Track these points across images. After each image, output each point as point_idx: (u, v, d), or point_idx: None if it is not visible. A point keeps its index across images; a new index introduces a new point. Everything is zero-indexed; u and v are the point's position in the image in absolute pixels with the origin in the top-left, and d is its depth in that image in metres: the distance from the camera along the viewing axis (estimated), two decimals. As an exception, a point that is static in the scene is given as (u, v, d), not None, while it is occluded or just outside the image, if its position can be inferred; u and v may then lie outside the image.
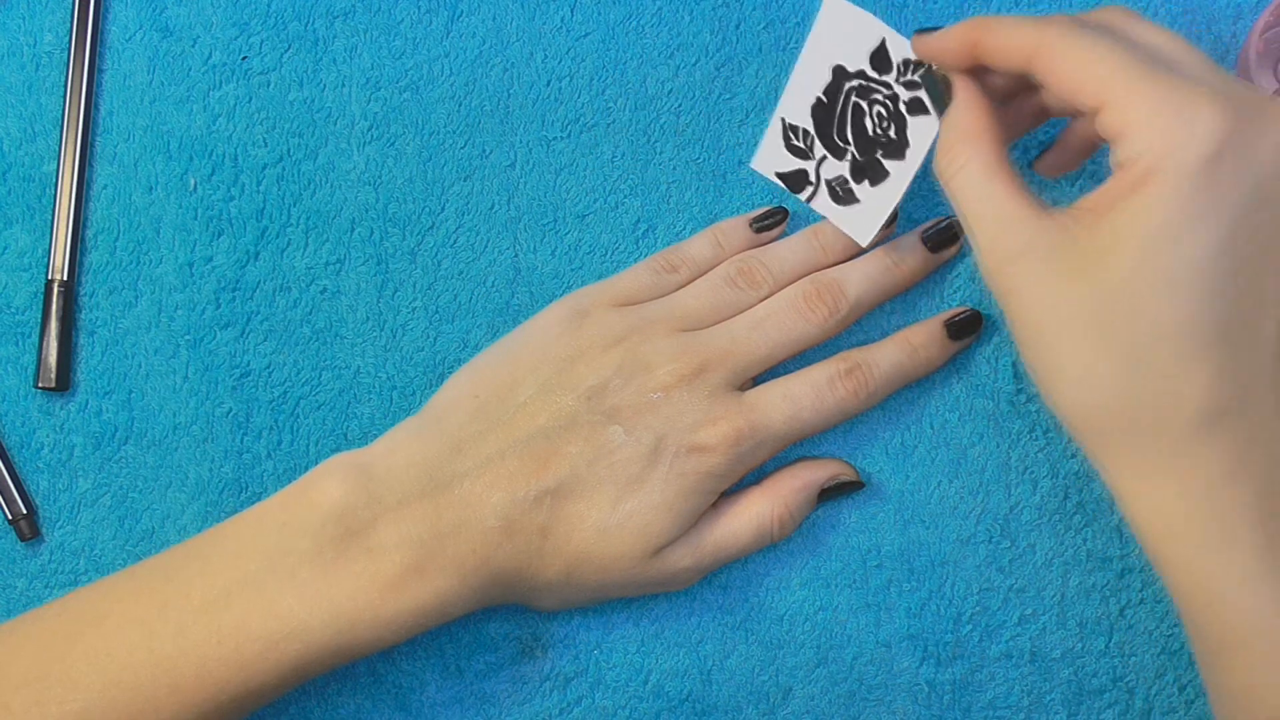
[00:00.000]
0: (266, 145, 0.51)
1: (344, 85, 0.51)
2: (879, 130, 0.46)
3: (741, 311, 0.48)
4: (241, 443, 0.50)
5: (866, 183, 0.46)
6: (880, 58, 0.44)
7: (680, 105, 0.51)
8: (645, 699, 0.49)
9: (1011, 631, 0.49)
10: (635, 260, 0.50)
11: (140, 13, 0.51)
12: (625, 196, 0.51)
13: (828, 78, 0.46)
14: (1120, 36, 0.38)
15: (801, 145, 0.47)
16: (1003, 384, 0.50)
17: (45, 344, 0.49)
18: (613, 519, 0.44)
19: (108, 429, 0.50)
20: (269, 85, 0.51)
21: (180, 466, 0.50)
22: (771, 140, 0.48)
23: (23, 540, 0.49)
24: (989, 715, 0.49)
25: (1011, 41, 0.39)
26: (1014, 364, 0.50)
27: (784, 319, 0.47)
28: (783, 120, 0.47)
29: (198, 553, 0.44)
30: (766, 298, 0.48)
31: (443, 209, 0.51)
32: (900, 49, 0.44)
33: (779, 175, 0.48)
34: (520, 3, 0.51)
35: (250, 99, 0.51)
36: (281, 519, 0.43)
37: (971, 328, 0.49)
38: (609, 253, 0.51)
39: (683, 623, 0.49)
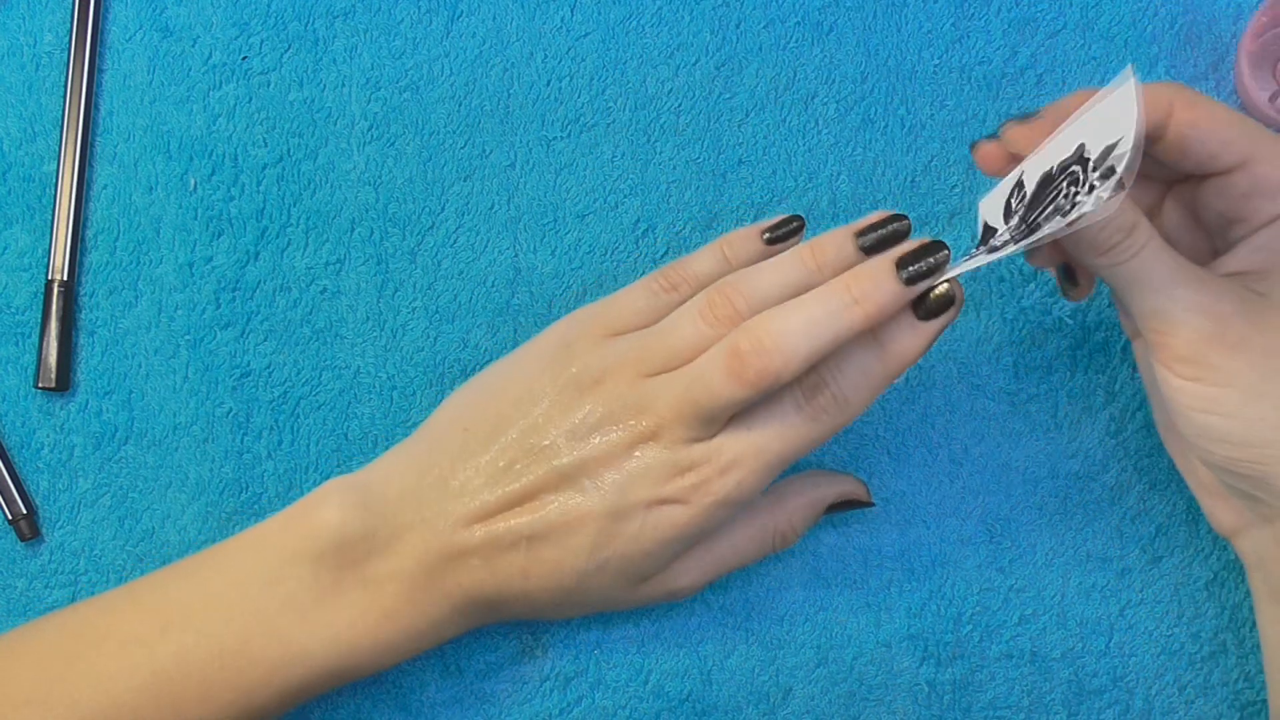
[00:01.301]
0: (266, 145, 0.51)
1: (344, 85, 0.51)
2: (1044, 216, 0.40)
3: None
4: (241, 443, 0.50)
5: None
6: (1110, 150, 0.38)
7: (680, 105, 0.51)
8: (645, 699, 0.49)
9: (1011, 631, 0.49)
10: (635, 260, 0.50)
11: (140, 13, 0.51)
12: (625, 196, 0.51)
13: (1068, 153, 0.39)
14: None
15: (1012, 204, 0.41)
16: (1003, 384, 0.50)
17: (45, 344, 0.49)
18: (590, 565, 0.43)
19: (108, 429, 0.50)
20: (269, 85, 0.51)
21: (180, 466, 0.50)
22: (1002, 188, 0.42)
23: (23, 540, 0.49)
24: (989, 715, 0.49)
25: (1155, 97, 0.41)
26: (1014, 364, 0.50)
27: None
28: (1021, 174, 0.41)
29: (198, 572, 0.44)
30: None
31: (443, 209, 0.51)
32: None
33: (985, 224, 0.42)
34: (520, 3, 0.51)
35: (250, 99, 0.51)
36: (281, 542, 0.43)
37: (944, 305, 0.42)
38: (609, 253, 0.51)
39: (683, 623, 0.49)
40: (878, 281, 0.41)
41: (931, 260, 0.41)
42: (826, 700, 0.49)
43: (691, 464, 0.43)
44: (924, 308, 0.42)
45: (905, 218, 0.43)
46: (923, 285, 0.41)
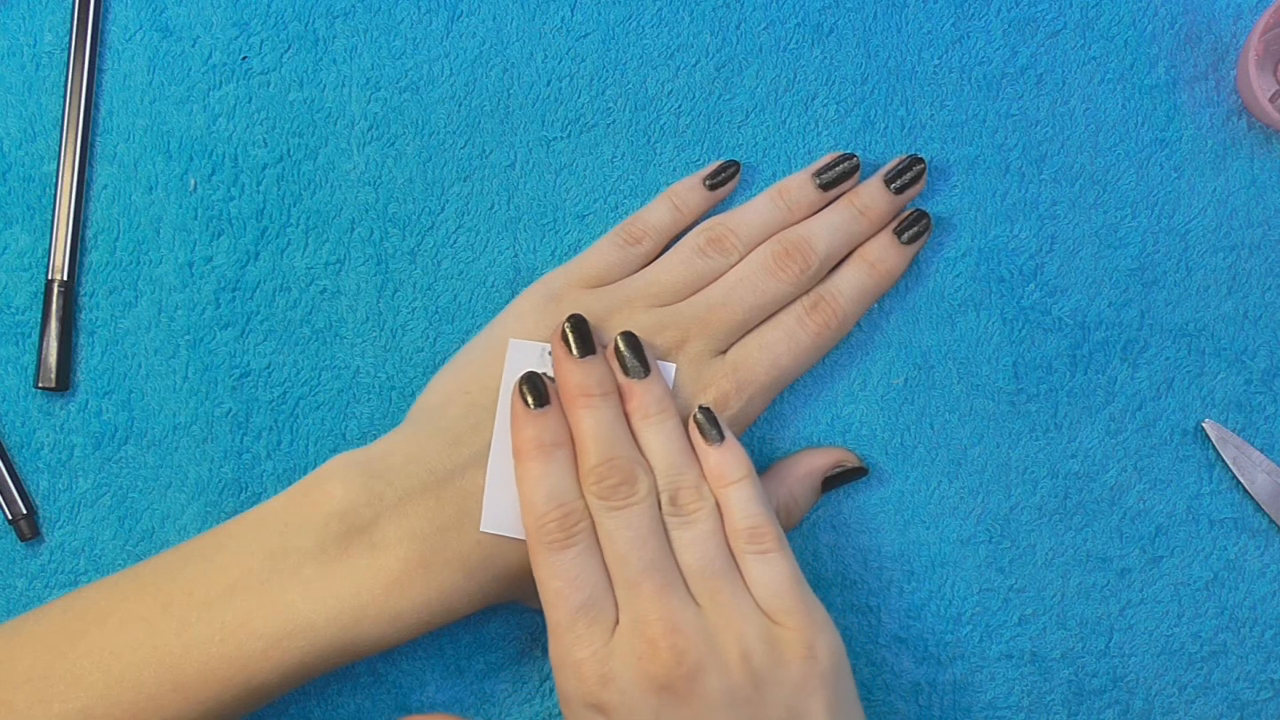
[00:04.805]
0: (266, 145, 0.51)
1: (344, 85, 0.51)
2: None
3: (715, 279, 0.48)
4: (241, 443, 0.50)
5: None
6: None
7: (680, 105, 0.51)
8: (645, 699, 0.49)
9: (1011, 632, 0.49)
10: (635, 260, 0.51)
11: (140, 13, 0.51)
12: (625, 196, 0.51)
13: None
14: None
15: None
16: (1003, 384, 0.50)
17: (45, 344, 0.49)
18: None
19: (108, 429, 0.50)
20: (269, 85, 0.51)
21: (180, 466, 0.50)
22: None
23: (23, 540, 0.49)
24: (989, 715, 0.49)
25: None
26: (1014, 364, 0.50)
27: (757, 281, 0.48)
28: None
29: (200, 552, 0.44)
30: (737, 263, 0.48)
31: (443, 209, 0.51)
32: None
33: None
34: (520, 3, 0.51)
35: (250, 99, 0.51)
36: (284, 518, 0.44)
37: (921, 228, 0.49)
38: (609, 253, 0.51)
39: (683, 623, 0.49)
40: (874, 195, 0.49)
41: (911, 172, 0.49)
42: (826, 700, 0.49)
43: (711, 379, 0.46)
44: (906, 231, 0.49)
45: (854, 156, 0.50)
46: (910, 193, 0.49)
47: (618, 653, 0.41)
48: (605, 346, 0.46)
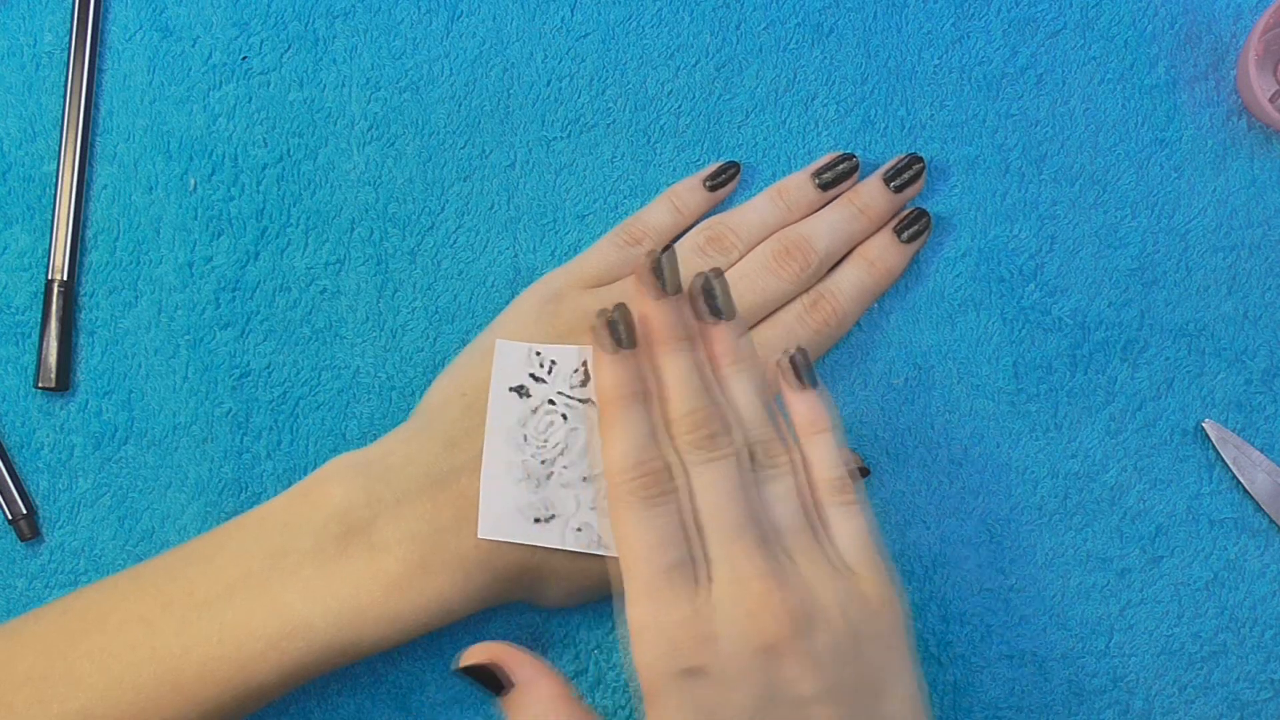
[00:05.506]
0: (266, 145, 0.51)
1: (344, 85, 0.51)
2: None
3: None
4: (241, 443, 0.50)
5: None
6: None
7: (680, 106, 0.51)
8: (645, 699, 0.49)
9: (1011, 632, 0.49)
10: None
11: (140, 13, 0.51)
12: (625, 196, 0.51)
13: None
14: None
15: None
16: (1003, 384, 0.50)
17: (45, 344, 0.49)
18: None
19: (108, 429, 0.50)
20: (269, 85, 0.51)
21: (180, 466, 0.50)
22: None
23: (23, 540, 0.49)
24: (988, 716, 0.49)
25: None
26: (1014, 364, 0.50)
27: (756, 279, 0.47)
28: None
29: (200, 553, 0.44)
30: (737, 261, 0.48)
31: (443, 209, 0.51)
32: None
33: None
34: (520, 3, 0.51)
35: (250, 99, 0.51)
36: (284, 519, 0.44)
37: (921, 226, 0.49)
38: (609, 253, 0.51)
39: (683, 623, 0.49)
40: (874, 194, 0.49)
41: (911, 171, 0.49)
42: (826, 700, 0.49)
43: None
44: (906, 230, 0.49)
45: (854, 156, 0.50)
46: (909, 192, 0.49)
47: (720, 611, 0.39)
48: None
